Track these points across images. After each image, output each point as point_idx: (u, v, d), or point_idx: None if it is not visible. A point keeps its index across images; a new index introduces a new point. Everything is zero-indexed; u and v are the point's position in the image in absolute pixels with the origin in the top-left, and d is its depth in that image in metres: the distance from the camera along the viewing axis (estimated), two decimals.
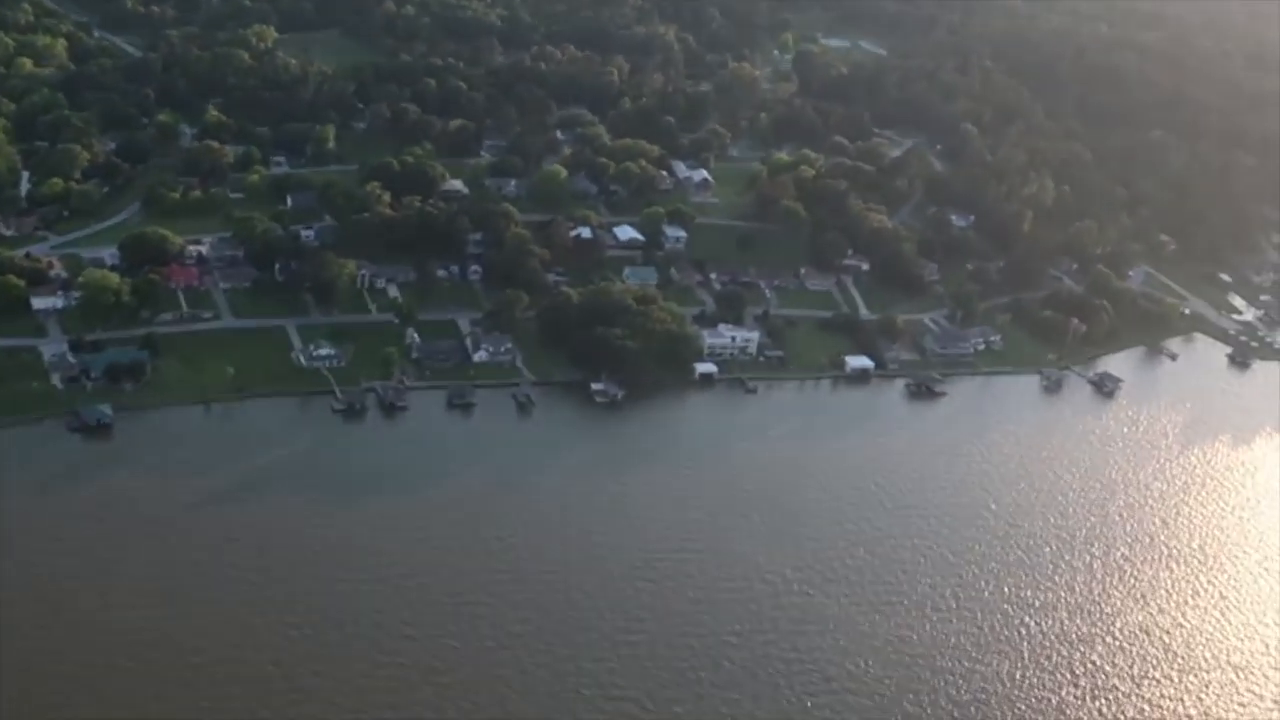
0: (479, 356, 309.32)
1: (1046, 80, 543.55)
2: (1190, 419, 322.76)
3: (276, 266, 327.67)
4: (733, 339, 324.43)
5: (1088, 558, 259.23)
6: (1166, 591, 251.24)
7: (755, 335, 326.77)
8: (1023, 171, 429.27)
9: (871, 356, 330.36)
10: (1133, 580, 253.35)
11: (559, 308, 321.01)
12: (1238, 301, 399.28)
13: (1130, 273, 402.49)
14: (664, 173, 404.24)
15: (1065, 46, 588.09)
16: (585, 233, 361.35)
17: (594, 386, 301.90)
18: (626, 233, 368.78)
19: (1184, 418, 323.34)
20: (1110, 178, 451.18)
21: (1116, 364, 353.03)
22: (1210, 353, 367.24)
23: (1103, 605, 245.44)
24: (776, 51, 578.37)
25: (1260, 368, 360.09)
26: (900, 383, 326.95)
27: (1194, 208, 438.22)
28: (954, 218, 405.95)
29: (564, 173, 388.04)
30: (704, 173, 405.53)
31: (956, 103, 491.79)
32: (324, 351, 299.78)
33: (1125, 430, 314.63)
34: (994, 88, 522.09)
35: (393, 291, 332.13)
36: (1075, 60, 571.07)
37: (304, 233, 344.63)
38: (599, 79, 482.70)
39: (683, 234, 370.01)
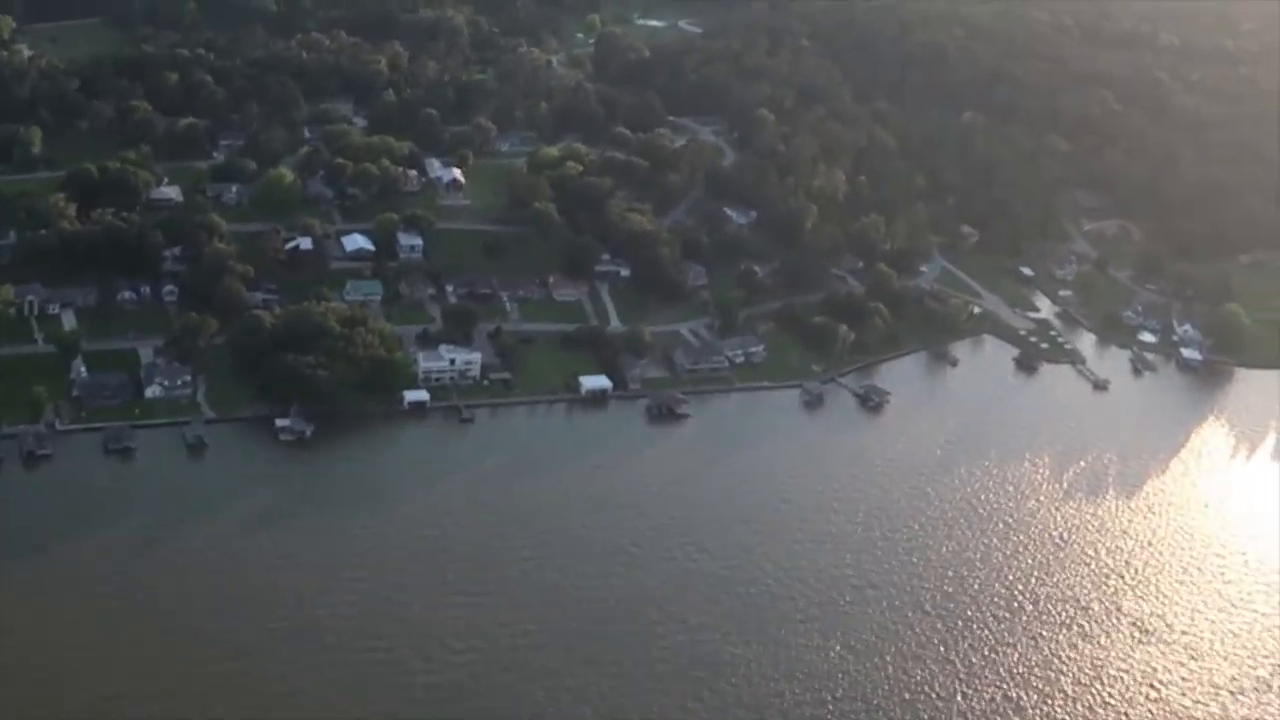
0: (152, 391, 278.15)
1: (865, 60, 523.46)
2: (959, 435, 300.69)
3: None
4: (451, 361, 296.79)
5: (805, 606, 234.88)
6: (896, 648, 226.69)
7: (478, 356, 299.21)
8: (813, 161, 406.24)
9: (613, 375, 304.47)
10: (858, 635, 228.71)
11: (251, 333, 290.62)
12: (1037, 298, 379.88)
13: (923, 269, 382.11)
14: (413, 173, 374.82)
15: (890, 23, 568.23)
16: (305, 244, 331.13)
17: (279, 423, 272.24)
18: (355, 242, 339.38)
19: (952, 434, 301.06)
20: (914, 165, 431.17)
21: (893, 372, 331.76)
22: (998, 356, 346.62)
23: (817, 662, 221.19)
24: (581, 34, 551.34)
25: (1048, 371, 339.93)
26: (643, 404, 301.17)
27: (999, 196, 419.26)
28: (733, 214, 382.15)
29: (289, 176, 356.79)
30: (454, 172, 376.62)
31: (757, 87, 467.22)
32: None
33: (884, 450, 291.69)
34: (803, 69, 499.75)
35: (68, 318, 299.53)
36: (898, 38, 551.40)
37: None
38: (365, 69, 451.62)
39: (419, 242, 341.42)
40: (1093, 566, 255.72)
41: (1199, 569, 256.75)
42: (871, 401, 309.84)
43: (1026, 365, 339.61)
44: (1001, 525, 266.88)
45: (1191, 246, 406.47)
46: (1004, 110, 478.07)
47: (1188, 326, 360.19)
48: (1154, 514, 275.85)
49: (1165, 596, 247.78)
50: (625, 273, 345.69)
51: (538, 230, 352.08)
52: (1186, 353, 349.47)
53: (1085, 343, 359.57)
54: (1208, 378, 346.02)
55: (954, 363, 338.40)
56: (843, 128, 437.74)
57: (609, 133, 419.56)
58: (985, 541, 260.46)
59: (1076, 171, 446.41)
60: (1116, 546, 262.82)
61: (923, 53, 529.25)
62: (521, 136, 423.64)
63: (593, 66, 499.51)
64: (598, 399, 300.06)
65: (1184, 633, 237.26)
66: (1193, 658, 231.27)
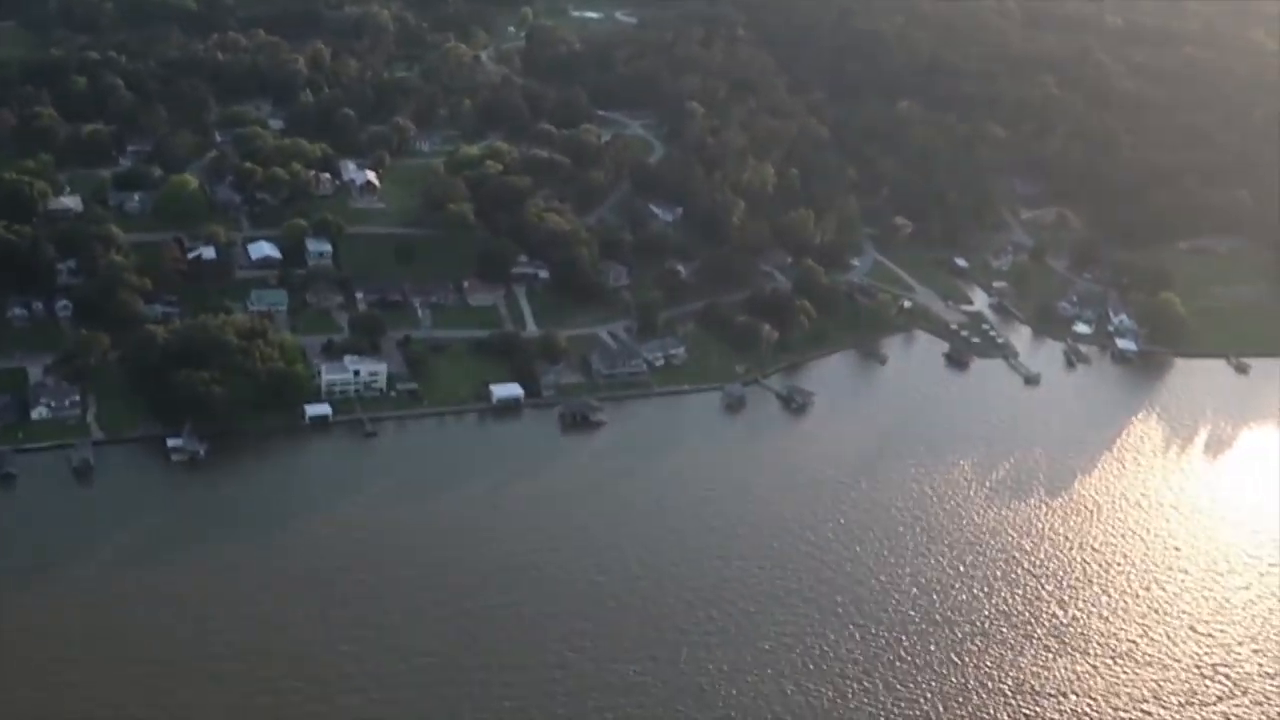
0: (38, 413, 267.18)
1: (803, 49, 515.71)
2: (883, 436, 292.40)
3: None
4: (356, 373, 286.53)
5: (715, 622, 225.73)
6: (808, 664, 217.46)
7: (383, 367, 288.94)
8: (742, 155, 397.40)
9: (526, 382, 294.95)
10: (769, 652, 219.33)
11: (144, 348, 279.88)
12: (972, 290, 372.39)
13: (854, 263, 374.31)
14: (326, 176, 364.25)
15: (829, 10, 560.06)
16: (208, 253, 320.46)
17: (170, 443, 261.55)
18: (261, 250, 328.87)
19: (877, 435, 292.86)
20: (849, 156, 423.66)
21: (820, 371, 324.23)
22: (929, 352, 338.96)
23: (724, 683, 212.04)
24: (513, 28, 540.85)
25: (979, 367, 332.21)
26: (557, 412, 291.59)
27: (935, 186, 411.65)
28: (659, 211, 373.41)
29: (193, 183, 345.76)
30: (367, 174, 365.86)
31: (687, 79, 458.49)
32: None
33: (805, 454, 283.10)
34: (737, 60, 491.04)
35: None
36: (836, 26, 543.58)
37: None
38: (282, 68, 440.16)
39: (328, 248, 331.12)
40: (1014, 572, 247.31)
41: (1125, 572, 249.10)
42: (794, 403, 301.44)
43: (957, 361, 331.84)
44: (922, 531, 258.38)
45: (1131, 233, 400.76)
46: (942, 98, 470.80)
47: (1123, 316, 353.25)
48: (1080, 515, 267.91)
49: (1089, 602, 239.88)
50: (544, 275, 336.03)
51: (453, 233, 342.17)
52: (1121, 343, 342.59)
53: (1020, 335, 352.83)
54: (1143, 369, 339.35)
55: (883, 360, 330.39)
56: (775, 119, 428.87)
57: (532, 129, 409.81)
58: (905, 548, 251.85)
59: (1015, 159, 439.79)
60: (1040, 550, 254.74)
61: (861, 41, 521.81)
62: (443, 135, 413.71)
63: (522, 61, 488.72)
64: (510, 408, 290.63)
65: (1108, 640, 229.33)
66: (1117, 666, 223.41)
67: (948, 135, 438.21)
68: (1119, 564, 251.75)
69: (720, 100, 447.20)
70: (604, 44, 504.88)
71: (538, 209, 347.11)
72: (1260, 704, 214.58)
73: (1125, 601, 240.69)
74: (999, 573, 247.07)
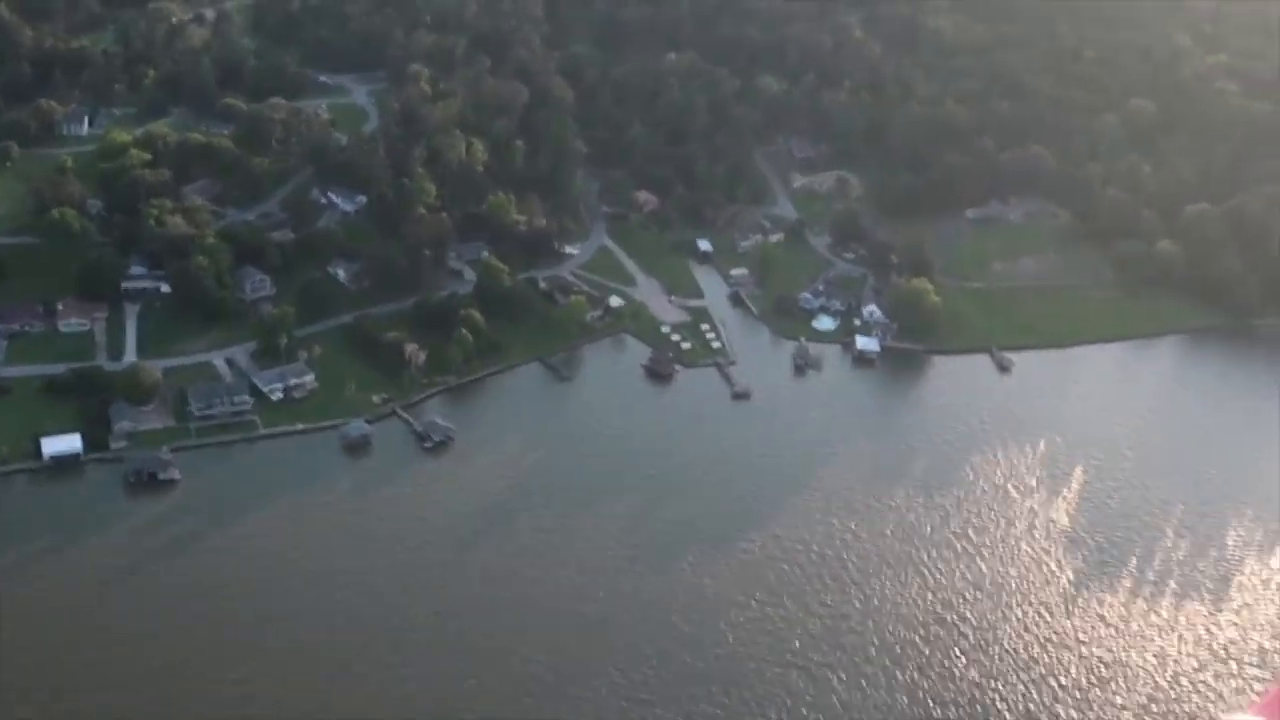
0: None
1: None
2: (527, 478, 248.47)
3: None
4: None
5: None
6: None
7: None
8: (449, 126, 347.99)
9: (93, 431, 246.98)
10: None
11: None
12: (710, 279, 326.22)
13: (573, 251, 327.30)
14: None
15: None
16: None
17: None
18: None
19: (519, 477, 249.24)
20: (597, 121, 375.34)
21: (487, 395, 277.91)
22: (630, 363, 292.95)
23: None
24: None
25: (685, 378, 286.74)
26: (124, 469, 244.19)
27: (688, 152, 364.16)
28: (339, 200, 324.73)
29: None
30: None
31: (419, 34, 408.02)
32: None
33: (413, 516, 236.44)
34: (495, 11, 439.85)
35: None
36: None
37: None
38: None
39: None
40: (638, 665, 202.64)
41: (775, 659, 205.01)
42: (429, 441, 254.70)
43: (657, 372, 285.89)
44: (538, 611, 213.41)
45: (915, 201, 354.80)
46: (725, 47, 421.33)
47: (873, 307, 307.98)
48: (736, 583, 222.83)
49: (712, 702, 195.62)
50: (167, 289, 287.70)
51: (56, 242, 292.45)
52: (861, 343, 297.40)
53: (757, 335, 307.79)
54: (886, 373, 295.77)
55: (566, 377, 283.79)
56: (507, 81, 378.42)
57: (217, 105, 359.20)
58: (502, 637, 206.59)
59: (794, 116, 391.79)
60: (669, 633, 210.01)
61: None
62: (117, 115, 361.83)
63: (247, 21, 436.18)
64: (68, 467, 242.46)
65: None
66: None
67: (713, 91, 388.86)
68: (765, 653, 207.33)
69: (458, 59, 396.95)
70: None
71: (163, 208, 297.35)
72: None
73: (759, 698, 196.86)
74: (614, 666, 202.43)
